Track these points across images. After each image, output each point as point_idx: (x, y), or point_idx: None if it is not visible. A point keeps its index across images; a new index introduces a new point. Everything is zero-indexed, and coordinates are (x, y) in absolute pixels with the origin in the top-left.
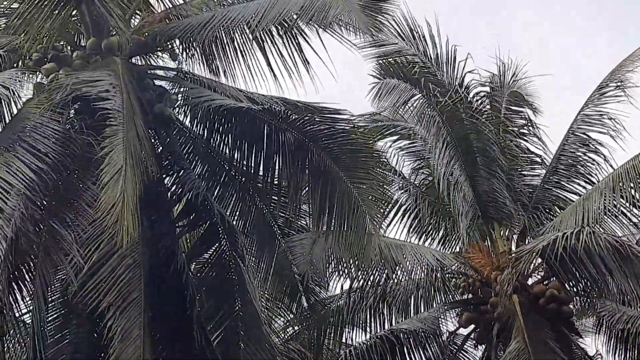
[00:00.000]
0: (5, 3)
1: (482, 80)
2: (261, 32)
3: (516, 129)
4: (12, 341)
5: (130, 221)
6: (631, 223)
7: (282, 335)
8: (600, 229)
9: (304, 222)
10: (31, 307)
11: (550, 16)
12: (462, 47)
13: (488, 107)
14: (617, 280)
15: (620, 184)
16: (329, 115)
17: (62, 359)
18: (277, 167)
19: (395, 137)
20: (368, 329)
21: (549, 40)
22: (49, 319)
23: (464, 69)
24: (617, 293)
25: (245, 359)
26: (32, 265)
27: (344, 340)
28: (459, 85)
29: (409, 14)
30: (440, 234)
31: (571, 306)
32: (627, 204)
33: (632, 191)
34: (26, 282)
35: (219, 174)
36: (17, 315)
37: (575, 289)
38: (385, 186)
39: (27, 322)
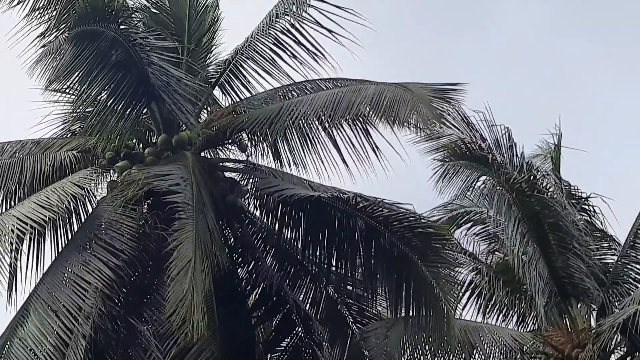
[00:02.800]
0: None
1: (540, 157)
2: (330, 123)
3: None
4: None
5: (200, 315)
6: None
7: None
8: None
9: (379, 309)
10: None
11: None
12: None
13: (552, 184)
14: None
15: None
16: (400, 206)
17: None
18: (348, 255)
19: (469, 224)
20: None
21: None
22: None
23: (522, 151)
24: None
25: None
26: None
27: None
28: (520, 165)
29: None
30: (517, 314)
31: None
32: None
33: None
34: None
35: (290, 263)
36: None
37: None
38: (458, 268)
39: None
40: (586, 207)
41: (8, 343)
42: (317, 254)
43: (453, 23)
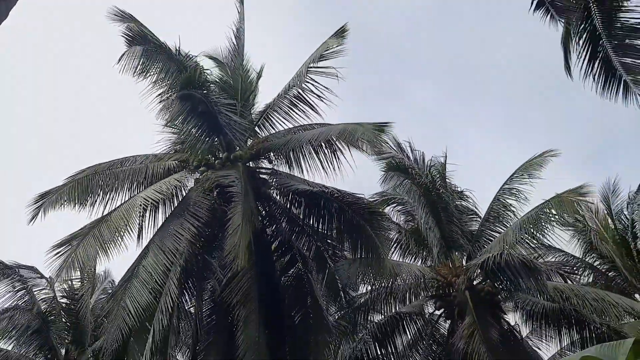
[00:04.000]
0: (180, 136)
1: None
2: (316, 146)
3: (460, 194)
4: (181, 324)
5: (244, 254)
6: (531, 247)
7: (334, 317)
8: (514, 251)
9: (345, 253)
10: (193, 304)
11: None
12: (427, 149)
13: (443, 183)
14: (525, 281)
15: (524, 225)
16: (356, 195)
17: (210, 334)
18: (328, 222)
19: (394, 205)
20: (382, 313)
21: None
22: (204, 310)
23: (430, 165)
24: (525, 288)
25: (314, 330)
26: (194, 280)
27: (369, 319)
28: (427, 173)
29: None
30: (422, 257)
31: (499, 296)
32: (528, 237)
33: (531, 229)
34: (190, 289)
35: (296, 226)
36: (186, 308)
37: (501, 286)
38: (389, 231)
39: (191, 312)
40: (462, 196)
41: (137, 268)
42: (311, 221)
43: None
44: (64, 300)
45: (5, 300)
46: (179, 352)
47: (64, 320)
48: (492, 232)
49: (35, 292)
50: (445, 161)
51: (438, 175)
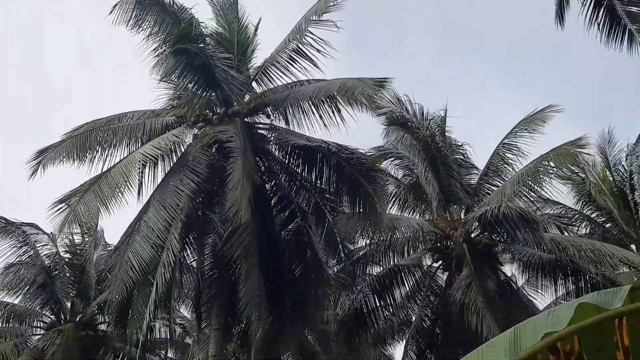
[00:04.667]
0: (177, 92)
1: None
2: (316, 102)
3: (459, 148)
4: (184, 278)
5: (245, 209)
6: (530, 200)
7: (333, 270)
8: (512, 204)
9: (343, 208)
10: (195, 258)
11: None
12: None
13: (442, 137)
14: (522, 233)
15: (522, 179)
16: (354, 150)
17: (212, 287)
18: (326, 177)
19: (392, 159)
20: (381, 265)
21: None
22: (206, 264)
23: (429, 118)
24: (522, 240)
25: (314, 283)
26: (195, 235)
27: (367, 272)
28: (426, 127)
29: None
30: (420, 211)
31: (496, 248)
32: (527, 189)
33: (529, 182)
34: (191, 244)
35: (294, 181)
36: (187, 262)
37: (498, 239)
38: (386, 186)
39: (193, 266)
40: (461, 150)
41: (138, 223)
42: (310, 176)
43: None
44: (67, 255)
45: (10, 256)
46: (182, 304)
47: (67, 275)
48: (491, 186)
49: (38, 248)
50: (445, 115)
51: (437, 129)
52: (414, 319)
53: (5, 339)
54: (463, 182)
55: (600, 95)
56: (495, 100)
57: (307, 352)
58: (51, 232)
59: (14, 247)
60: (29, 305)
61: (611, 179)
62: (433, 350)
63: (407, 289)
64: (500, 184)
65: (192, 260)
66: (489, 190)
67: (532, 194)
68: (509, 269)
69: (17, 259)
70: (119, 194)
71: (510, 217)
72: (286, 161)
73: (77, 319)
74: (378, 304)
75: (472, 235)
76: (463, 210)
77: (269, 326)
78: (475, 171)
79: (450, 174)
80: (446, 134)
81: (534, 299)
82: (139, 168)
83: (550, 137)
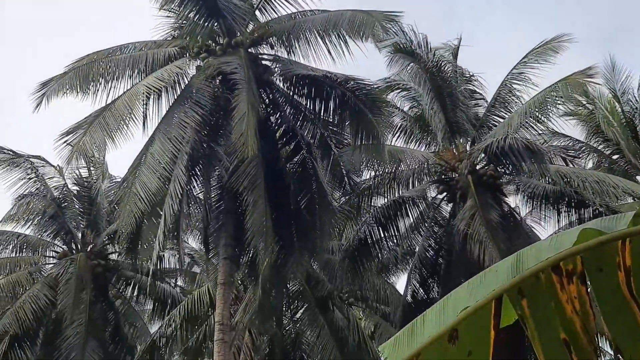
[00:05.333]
0: (179, 22)
1: (446, 51)
2: (322, 33)
3: (466, 79)
4: (191, 209)
5: (252, 141)
6: (535, 132)
7: (339, 202)
8: (518, 135)
9: (348, 140)
10: (202, 190)
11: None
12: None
13: (450, 68)
14: (527, 164)
15: (530, 110)
16: (360, 80)
17: (219, 218)
18: (331, 108)
19: (399, 90)
20: (385, 197)
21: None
22: (212, 196)
23: (435, 49)
24: (527, 171)
25: (319, 214)
26: (201, 167)
27: (372, 204)
28: (432, 56)
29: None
30: (426, 143)
31: (501, 180)
32: (533, 121)
33: (536, 113)
34: (198, 176)
35: (299, 113)
36: (194, 194)
37: (503, 170)
38: (390, 118)
39: (200, 198)
40: (470, 81)
41: (144, 155)
42: (314, 108)
43: None
44: (75, 187)
45: (20, 188)
46: (190, 235)
47: (77, 206)
48: (498, 118)
49: (46, 180)
50: (459, 44)
51: (445, 59)
52: (417, 249)
53: (20, 268)
54: (469, 113)
55: (611, 24)
56: (506, 31)
57: (313, 280)
58: (58, 165)
59: (23, 179)
60: (41, 236)
61: (619, 109)
62: (436, 279)
63: (411, 220)
64: (507, 116)
65: (199, 192)
66: (496, 122)
67: (538, 125)
68: (513, 200)
69: (27, 191)
70: (124, 126)
71: (516, 149)
72: (291, 93)
73: (89, 248)
74: (382, 235)
75: (477, 167)
76: (469, 142)
77: (276, 255)
78: (482, 103)
79: (457, 106)
80: (457, 64)
81: (537, 230)
82: (143, 100)
83: (562, 68)
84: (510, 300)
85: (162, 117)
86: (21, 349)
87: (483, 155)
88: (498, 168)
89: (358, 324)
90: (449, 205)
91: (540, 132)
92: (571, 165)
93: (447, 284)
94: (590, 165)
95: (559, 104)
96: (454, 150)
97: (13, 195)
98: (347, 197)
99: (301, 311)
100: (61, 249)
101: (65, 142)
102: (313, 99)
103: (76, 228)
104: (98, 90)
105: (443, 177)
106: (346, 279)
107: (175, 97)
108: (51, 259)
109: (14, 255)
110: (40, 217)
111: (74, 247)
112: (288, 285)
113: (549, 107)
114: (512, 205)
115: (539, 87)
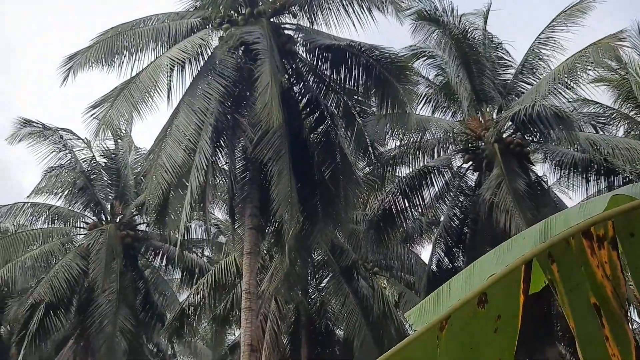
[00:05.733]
0: None
1: (477, 17)
2: (346, 2)
3: (495, 46)
4: (217, 181)
5: (276, 112)
6: (564, 98)
7: (363, 172)
8: (546, 102)
9: (373, 109)
10: (227, 161)
11: None
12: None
13: (479, 35)
14: (556, 132)
15: (558, 76)
16: (385, 49)
17: (244, 189)
18: (355, 77)
19: (424, 59)
20: (410, 166)
21: None
22: (237, 167)
23: (460, 15)
24: (555, 139)
25: (343, 184)
26: (225, 138)
27: (397, 174)
28: (458, 23)
29: None
30: (452, 111)
31: (528, 148)
32: (563, 87)
33: (565, 79)
34: (222, 147)
35: (323, 83)
36: (220, 166)
37: (531, 138)
38: (417, 86)
39: (225, 169)
40: (497, 47)
41: (169, 127)
42: (338, 77)
43: None
44: (103, 160)
45: (50, 160)
46: (216, 206)
47: (105, 178)
48: (526, 84)
49: (75, 152)
50: (489, 9)
51: (474, 26)
52: (442, 218)
53: (53, 239)
54: (496, 81)
55: None
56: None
57: (338, 249)
58: (85, 138)
59: (52, 151)
60: (71, 207)
61: None
62: (461, 248)
63: (437, 189)
64: (535, 82)
65: (224, 163)
66: (524, 89)
67: (567, 92)
68: (540, 169)
69: (57, 163)
70: (149, 98)
71: (545, 116)
72: (314, 63)
73: (118, 219)
74: (407, 205)
75: (504, 136)
76: (495, 110)
77: (301, 225)
78: (510, 69)
79: (483, 73)
80: (486, 30)
81: (565, 199)
82: (167, 72)
83: (593, 31)
84: (540, 265)
85: (186, 89)
86: (56, 316)
87: (510, 123)
88: (525, 136)
89: (382, 293)
90: (475, 174)
91: (569, 98)
92: (601, 133)
93: (472, 253)
94: (621, 132)
95: (589, 69)
96: (480, 119)
97: (43, 167)
98: (371, 167)
99: (326, 280)
100: (91, 220)
101: (92, 115)
102: (337, 68)
103: (105, 199)
104: (123, 62)
105: (469, 145)
106: (371, 249)
107: (199, 69)
108: (82, 229)
109: (46, 226)
110: (70, 189)
111: (103, 218)
112: (313, 255)
113: (578, 72)
114: (539, 174)
115: (567, 53)
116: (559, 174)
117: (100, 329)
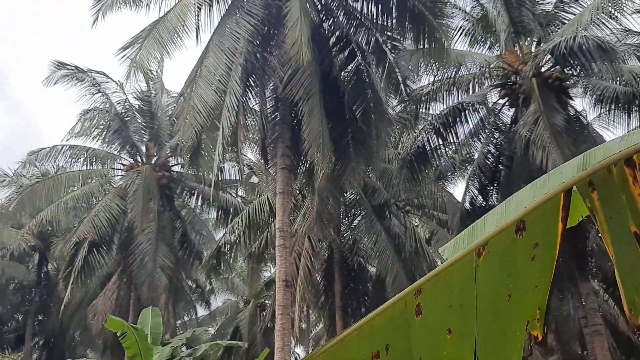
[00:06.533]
0: None
1: None
2: None
3: None
4: (248, 121)
5: (306, 48)
6: (608, 29)
7: (395, 109)
8: (588, 34)
9: (406, 45)
10: (258, 101)
11: None
12: None
13: None
14: (598, 65)
15: (602, 4)
16: None
17: (275, 129)
18: (387, 12)
19: None
20: (444, 103)
21: None
22: (268, 107)
23: None
24: (597, 72)
25: (374, 123)
26: (255, 78)
27: (430, 110)
28: None
29: None
30: (488, 45)
31: (568, 82)
32: (606, 17)
33: (609, 8)
34: (252, 88)
35: (354, 19)
36: (250, 106)
37: (571, 72)
38: (453, 19)
39: (256, 109)
40: None
41: (199, 69)
42: (369, 12)
43: None
44: (136, 102)
45: (85, 103)
46: (249, 147)
47: (139, 120)
48: (567, 15)
49: (109, 95)
50: None
51: None
52: (476, 156)
53: (92, 180)
54: (536, 12)
55: None
56: None
57: (370, 188)
58: (118, 80)
59: (87, 94)
60: (108, 149)
61: None
62: (495, 186)
63: (471, 126)
64: (577, 12)
65: (254, 104)
66: (565, 19)
67: (611, 22)
68: (580, 104)
69: (91, 105)
70: (178, 38)
71: (586, 48)
72: None
73: (153, 161)
74: (440, 142)
75: (543, 69)
76: (534, 43)
77: (333, 164)
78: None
79: (523, 4)
80: None
81: (605, 135)
82: (195, 11)
83: None
84: (580, 193)
85: (215, 29)
86: (99, 254)
87: (549, 56)
88: (565, 70)
89: (415, 231)
90: (511, 110)
91: (612, 29)
92: None
93: (507, 191)
94: None
95: None
96: (518, 52)
97: (78, 110)
98: (403, 105)
99: (358, 219)
100: (127, 162)
101: (123, 57)
102: (368, 3)
103: (140, 141)
104: (150, 2)
105: (505, 81)
106: (403, 187)
107: (227, 7)
108: (119, 171)
109: (85, 168)
110: (105, 131)
111: (139, 159)
112: (345, 194)
113: (622, 1)
114: (579, 109)
115: None
116: (599, 109)
117: (142, 266)
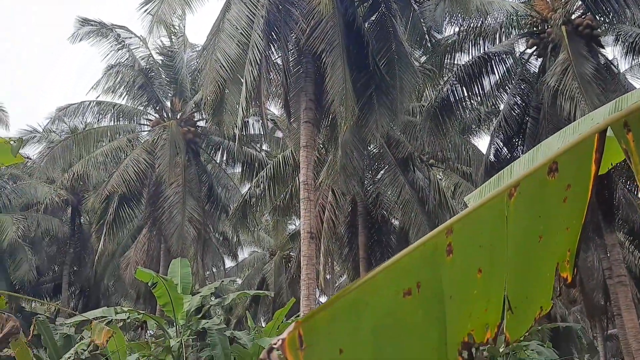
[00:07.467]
0: None
1: None
2: None
3: None
4: (271, 75)
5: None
6: None
7: (419, 61)
8: None
9: None
10: (280, 55)
11: None
12: None
13: None
14: (632, 10)
15: None
16: None
17: (298, 83)
18: None
19: None
20: (470, 54)
21: None
22: (291, 60)
23: None
24: (631, 18)
25: (398, 75)
26: (277, 30)
27: (455, 61)
28: None
29: None
30: None
31: (599, 30)
32: None
33: None
34: (275, 41)
35: None
36: (273, 60)
37: (602, 19)
38: None
39: (278, 63)
40: None
41: (221, 22)
42: None
43: None
44: (160, 57)
45: (109, 58)
46: (272, 102)
47: (163, 76)
48: None
49: (133, 50)
50: None
51: None
52: (502, 107)
53: (119, 135)
54: None
55: None
56: None
57: (393, 141)
58: (141, 35)
59: (111, 50)
60: (134, 105)
61: None
62: (521, 137)
63: (497, 77)
64: None
65: (277, 57)
66: None
67: None
68: (611, 52)
69: (117, 61)
70: None
71: None
72: None
73: (178, 116)
74: (465, 94)
75: (573, 17)
76: None
77: (356, 117)
78: None
79: None
80: None
81: (638, 84)
82: None
83: None
84: (614, 134)
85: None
86: (129, 207)
87: (580, 2)
88: (597, 16)
89: (439, 183)
90: (539, 60)
91: None
92: None
93: (533, 142)
94: None
95: None
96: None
97: (103, 65)
98: (428, 56)
99: (382, 172)
100: (153, 117)
101: (145, 11)
102: None
103: (165, 97)
104: None
105: (533, 29)
106: (427, 140)
107: None
108: (145, 126)
109: (112, 123)
110: (130, 87)
111: (165, 115)
112: (369, 147)
113: None
114: (610, 58)
115: None
116: (631, 58)
117: (170, 219)
